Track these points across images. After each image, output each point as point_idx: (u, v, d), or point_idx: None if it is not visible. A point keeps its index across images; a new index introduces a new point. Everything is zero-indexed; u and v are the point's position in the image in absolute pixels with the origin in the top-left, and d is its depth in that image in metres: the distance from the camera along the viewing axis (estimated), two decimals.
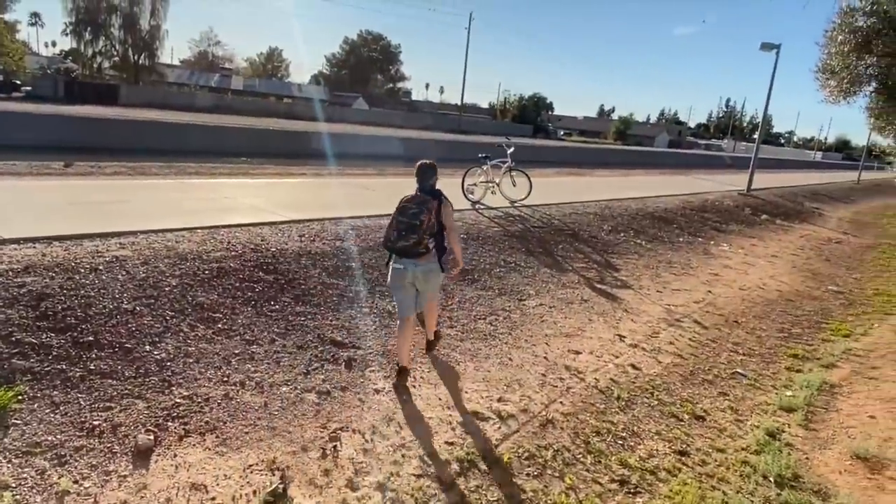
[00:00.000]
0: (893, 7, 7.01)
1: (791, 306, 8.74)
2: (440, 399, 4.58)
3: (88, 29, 53.97)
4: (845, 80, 7.99)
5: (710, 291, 8.83)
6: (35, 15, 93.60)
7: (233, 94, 64.84)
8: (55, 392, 3.66)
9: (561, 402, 4.81)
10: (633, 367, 5.77)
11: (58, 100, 37.87)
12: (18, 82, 44.37)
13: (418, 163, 4.63)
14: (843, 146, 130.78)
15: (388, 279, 4.65)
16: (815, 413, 5.24)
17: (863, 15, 7.53)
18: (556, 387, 5.08)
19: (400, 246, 4.36)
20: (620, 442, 4.38)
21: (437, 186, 4.69)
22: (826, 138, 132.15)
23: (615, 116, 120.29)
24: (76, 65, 58.02)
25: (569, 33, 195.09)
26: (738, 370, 6.08)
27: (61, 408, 3.57)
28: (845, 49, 7.70)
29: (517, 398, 4.77)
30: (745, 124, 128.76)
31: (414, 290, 4.59)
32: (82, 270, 4.86)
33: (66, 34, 58.61)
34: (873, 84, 8.13)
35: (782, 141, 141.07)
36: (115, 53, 56.35)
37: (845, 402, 5.49)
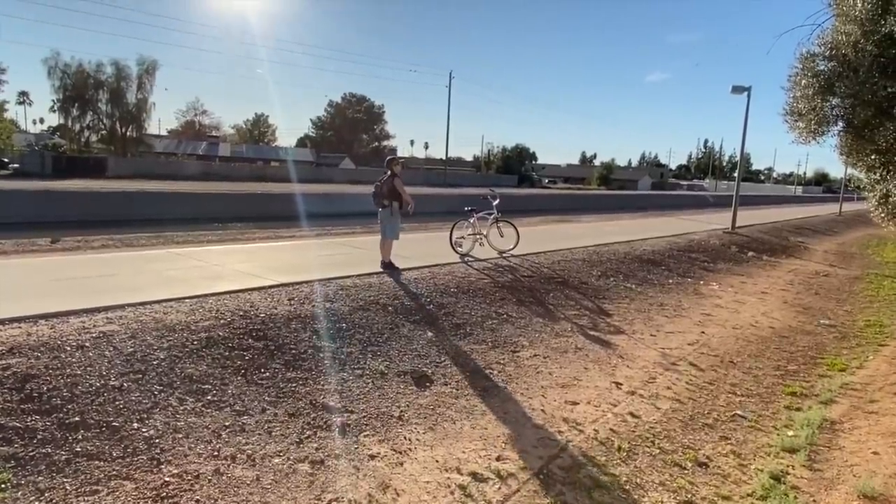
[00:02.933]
0: (851, 51, 7.33)
1: (785, 342, 8.73)
2: (437, 461, 4.48)
3: (76, 104, 54.83)
4: (813, 122, 8.27)
5: (703, 332, 8.83)
6: (23, 94, 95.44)
7: (220, 161, 65.59)
8: (40, 478, 3.55)
9: (561, 457, 4.72)
10: (632, 415, 5.69)
11: (45, 175, 38.09)
12: (6, 160, 44.71)
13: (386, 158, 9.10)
14: (822, 179, 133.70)
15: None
16: (819, 452, 5.17)
17: (823, 59, 7.87)
18: (556, 440, 5.00)
19: (375, 202, 8.84)
20: (624, 495, 4.28)
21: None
22: (805, 173, 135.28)
23: (597, 162, 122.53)
24: (64, 140, 58.71)
25: (546, 84, 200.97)
26: (738, 412, 6.02)
27: (46, 494, 3.45)
28: (809, 92, 8.00)
29: (516, 455, 4.67)
30: (724, 163, 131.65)
31: (386, 224, 8.78)
32: (68, 348, 4.79)
33: (54, 111, 59.62)
34: (840, 124, 8.41)
35: (762, 178, 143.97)
36: (103, 127, 57.13)
37: (847, 439, 5.42)
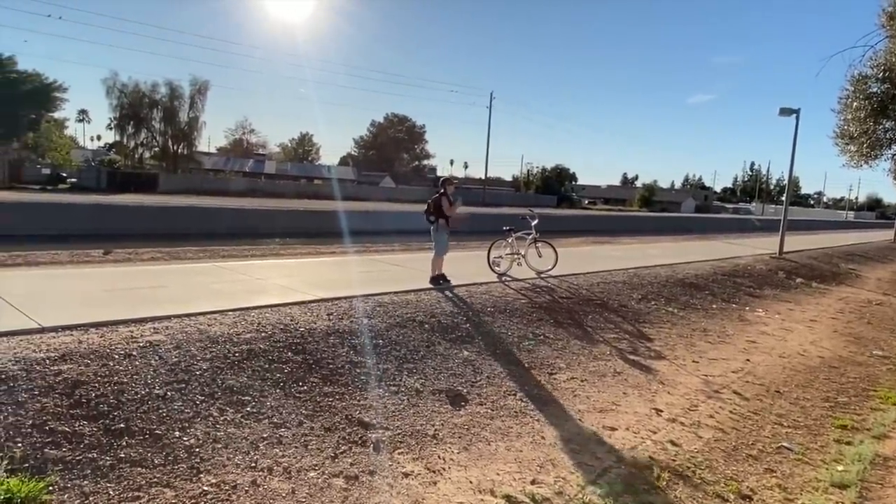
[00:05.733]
0: None
1: (835, 373, 8.38)
2: (471, 482, 4.44)
3: (131, 122, 57.29)
4: (865, 145, 8.02)
5: (748, 360, 8.55)
6: (83, 112, 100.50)
7: (266, 178, 67.31)
8: (85, 482, 3.66)
9: (597, 484, 4.62)
10: (673, 443, 5.54)
11: (100, 190, 39.74)
12: (64, 175, 46.89)
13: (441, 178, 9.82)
14: (875, 204, 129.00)
15: None
16: (871, 489, 4.92)
17: (875, 81, 7.63)
18: (592, 466, 4.90)
19: (427, 218, 9.28)
20: None
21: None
22: (857, 197, 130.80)
23: (639, 184, 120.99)
24: (119, 156, 61.26)
25: (587, 105, 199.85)
26: (784, 444, 5.79)
27: (90, 498, 3.56)
28: (861, 115, 7.77)
29: (552, 480, 4.60)
30: (771, 187, 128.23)
31: (434, 240, 9.27)
32: (116, 357, 4.96)
33: (111, 128, 62.51)
34: (894, 147, 8.12)
35: (811, 202, 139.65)
36: (156, 144, 59.47)
37: None
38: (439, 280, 9.20)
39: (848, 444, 5.90)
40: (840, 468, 5.27)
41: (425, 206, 9.37)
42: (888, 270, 23.29)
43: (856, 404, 7.16)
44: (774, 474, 5.15)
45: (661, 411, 6.27)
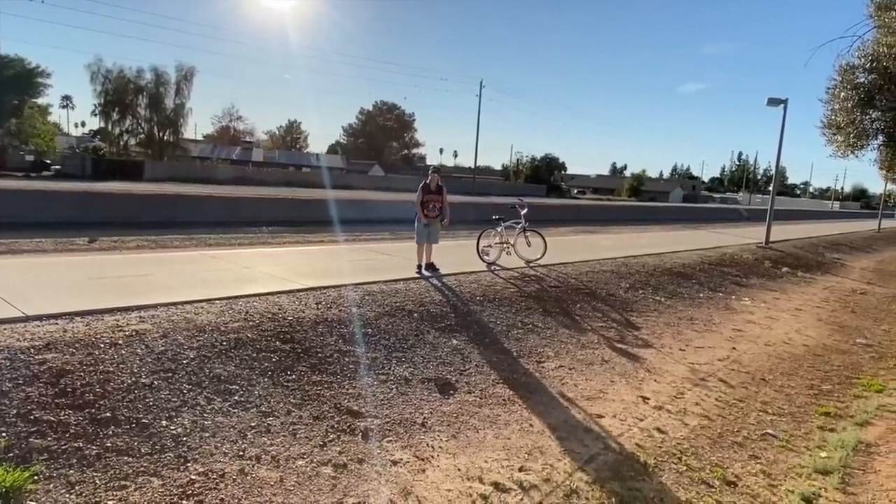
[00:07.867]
0: (893, 63, 7.13)
1: (819, 361, 8.49)
2: (459, 469, 4.46)
3: (116, 109, 56.37)
4: (852, 135, 8.07)
5: (734, 348, 8.64)
6: (66, 98, 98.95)
7: (253, 166, 66.68)
8: (71, 471, 3.63)
9: (584, 471, 4.65)
10: (659, 430, 5.59)
11: (85, 177, 39.18)
12: (48, 161, 46.16)
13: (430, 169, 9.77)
14: (860, 195, 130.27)
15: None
16: (853, 475, 5.00)
17: (863, 72, 7.67)
18: (580, 453, 4.93)
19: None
20: None
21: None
22: (842, 188, 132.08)
23: (628, 173, 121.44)
24: (104, 143, 60.35)
25: (576, 95, 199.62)
26: (769, 431, 5.87)
27: (76, 488, 3.53)
28: (849, 105, 7.81)
29: (539, 467, 4.63)
30: (759, 177, 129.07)
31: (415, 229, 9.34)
32: (102, 345, 4.91)
33: (96, 114, 61.58)
34: (880, 137, 8.20)
35: (798, 192, 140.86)
36: (142, 131, 58.62)
37: (884, 463, 5.24)
38: (427, 269, 9.22)
39: (831, 430, 5.99)
40: (823, 455, 5.35)
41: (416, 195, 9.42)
42: (872, 260, 23.59)
43: (839, 392, 7.26)
44: (759, 461, 5.22)
45: (648, 399, 6.33)
